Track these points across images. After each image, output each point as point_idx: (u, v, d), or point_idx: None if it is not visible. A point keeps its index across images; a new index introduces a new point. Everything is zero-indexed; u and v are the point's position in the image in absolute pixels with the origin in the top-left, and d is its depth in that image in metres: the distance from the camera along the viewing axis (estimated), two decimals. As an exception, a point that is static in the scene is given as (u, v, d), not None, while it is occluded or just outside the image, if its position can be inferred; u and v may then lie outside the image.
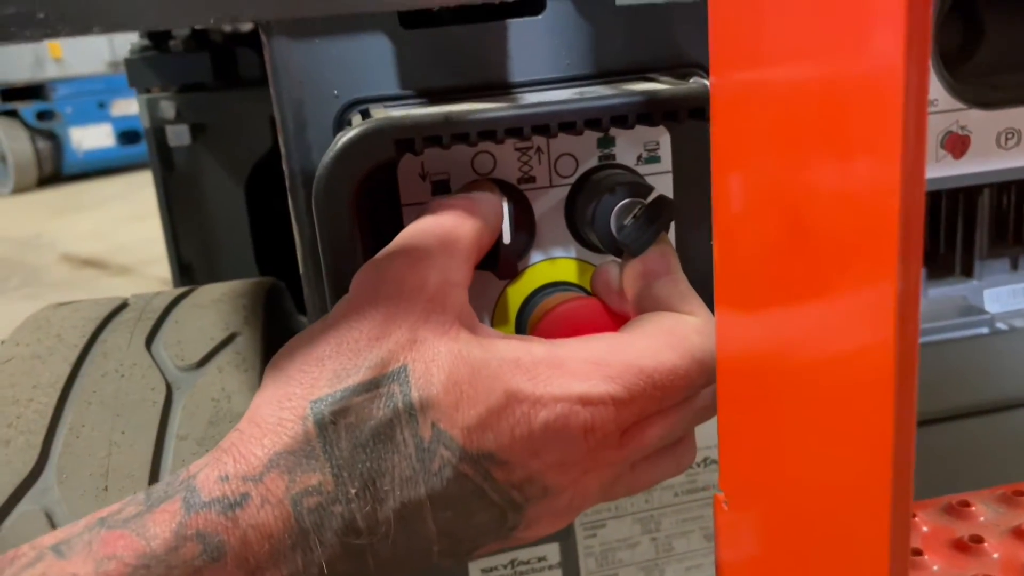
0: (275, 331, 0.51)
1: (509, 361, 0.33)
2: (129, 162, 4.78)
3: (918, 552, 0.31)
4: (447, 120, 0.35)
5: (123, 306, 0.52)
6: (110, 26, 0.26)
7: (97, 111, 4.81)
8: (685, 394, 0.36)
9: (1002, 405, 0.54)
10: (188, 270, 1.01)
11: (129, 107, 4.75)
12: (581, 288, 0.45)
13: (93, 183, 4.69)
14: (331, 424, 0.32)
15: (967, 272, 0.58)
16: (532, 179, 0.43)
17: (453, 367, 0.32)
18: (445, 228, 0.36)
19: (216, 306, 0.50)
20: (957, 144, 0.47)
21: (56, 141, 4.74)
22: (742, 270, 0.29)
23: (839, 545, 0.26)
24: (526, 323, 0.44)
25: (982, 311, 0.56)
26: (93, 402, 0.43)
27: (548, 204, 0.44)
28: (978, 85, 0.48)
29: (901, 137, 0.20)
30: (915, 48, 0.19)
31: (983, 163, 0.48)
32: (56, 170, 4.76)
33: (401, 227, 0.41)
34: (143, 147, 1.18)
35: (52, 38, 0.26)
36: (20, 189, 4.61)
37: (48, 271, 3.19)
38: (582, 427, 0.33)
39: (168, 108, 0.99)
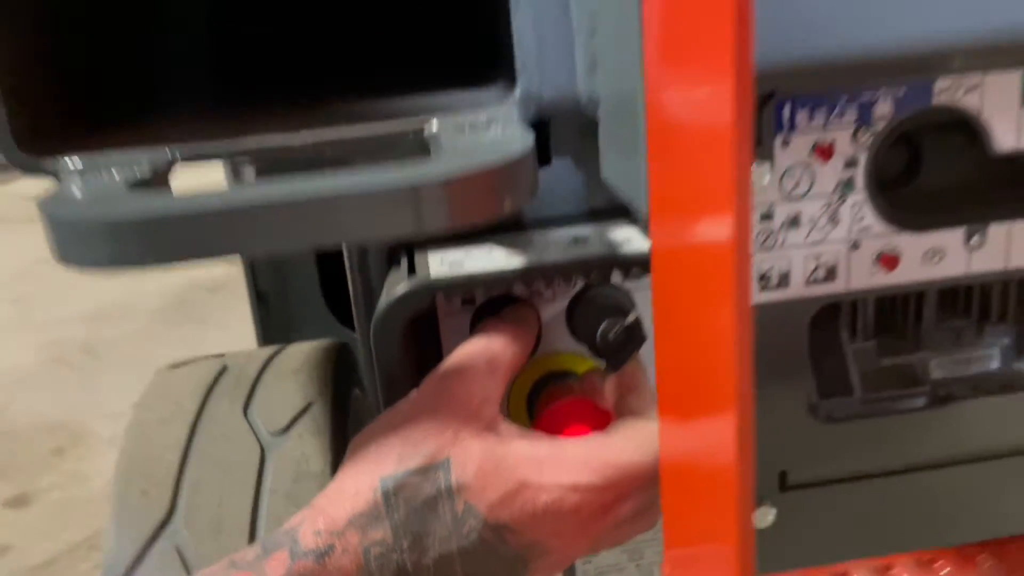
0: (342, 395, 0.65)
1: (522, 458, 0.46)
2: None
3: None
4: (470, 280, 0.48)
5: (223, 370, 0.66)
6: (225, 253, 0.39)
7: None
8: (651, 481, 0.48)
9: (935, 465, 0.65)
10: (264, 298, 1.16)
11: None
12: (577, 375, 0.57)
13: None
14: (393, 495, 0.44)
15: (915, 343, 0.69)
16: (540, 292, 0.55)
17: (483, 461, 0.45)
18: (492, 352, 0.48)
19: (295, 377, 0.64)
20: (889, 261, 0.58)
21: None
22: (673, 387, 0.41)
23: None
24: (535, 404, 0.57)
25: (925, 380, 0.67)
26: (207, 461, 0.58)
27: (553, 311, 0.56)
28: (909, 211, 0.58)
29: (735, 302, 0.31)
30: (739, 241, 0.31)
31: (912, 275, 0.59)
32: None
33: (438, 332, 0.54)
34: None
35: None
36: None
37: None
38: (573, 507, 0.46)
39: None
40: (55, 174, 0.47)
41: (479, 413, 0.46)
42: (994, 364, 0.71)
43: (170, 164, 0.47)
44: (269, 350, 0.69)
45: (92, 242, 0.39)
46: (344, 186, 0.39)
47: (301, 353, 0.68)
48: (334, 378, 0.65)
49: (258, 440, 0.59)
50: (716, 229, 0.32)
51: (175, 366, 0.68)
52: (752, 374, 0.33)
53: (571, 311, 0.56)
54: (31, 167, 0.47)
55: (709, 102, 0.32)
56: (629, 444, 0.47)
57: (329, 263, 1.11)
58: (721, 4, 0.30)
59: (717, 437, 0.34)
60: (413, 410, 0.46)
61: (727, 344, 0.32)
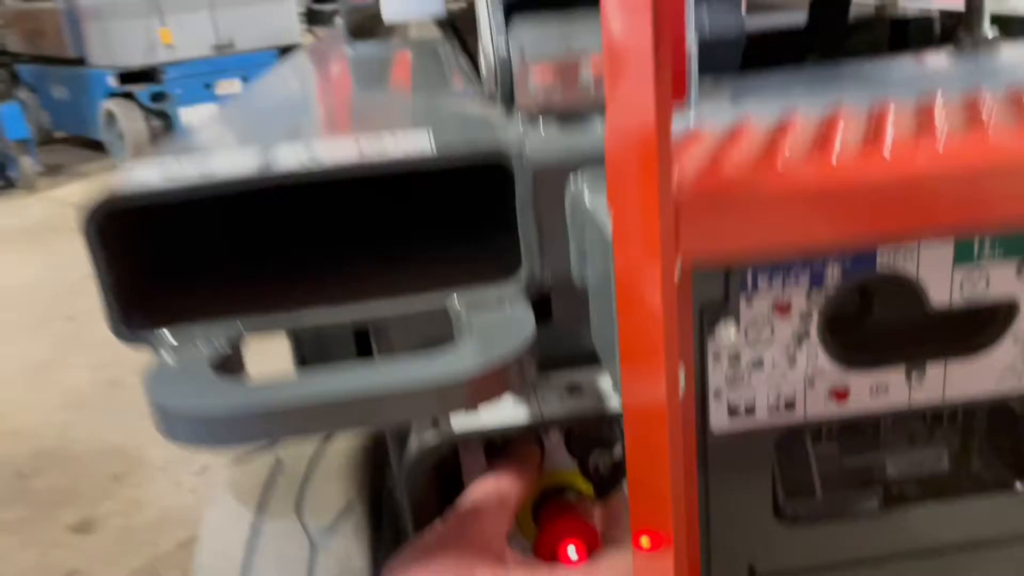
0: (378, 493, 0.76)
1: None
2: (233, 138, 5.12)
3: None
4: (484, 435, 0.59)
5: (277, 466, 0.78)
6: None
7: (203, 91, 5.14)
8: None
9: (887, 558, 0.76)
10: (305, 363, 1.30)
11: (232, 87, 5.07)
12: (575, 488, 0.68)
13: (201, 159, 5.07)
14: None
15: (874, 441, 0.79)
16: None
17: None
18: (500, 492, 0.59)
19: (339, 475, 0.76)
20: (840, 395, 0.69)
21: (167, 120, 5.11)
22: (638, 522, 0.51)
23: None
24: (540, 513, 0.68)
25: (881, 479, 0.77)
26: (268, 557, 0.70)
27: (556, 436, 0.67)
28: (857, 353, 0.69)
29: (669, 452, 0.42)
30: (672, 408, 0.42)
31: (861, 406, 0.69)
32: (168, 146, 5.15)
33: (459, 461, 0.65)
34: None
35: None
36: (136, 165, 5.03)
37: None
38: None
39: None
40: (150, 343, 0.59)
41: (490, 547, 0.57)
42: (943, 464, 0.81)
43: (240, 338, 0.59)
44: (314, 445, 0.81)
45: (192, 429, 0.51)
46: (390, 384, 0.50)
47: (342, 452, 0.80)
48: (371, 477, 0.77)
49: (309, 537, 0.71)
50: (655, 388, 0.43)
51: (237, 462, 0.80)
52: (690, 520, 0.44)
53: (568, 439, 0.67)
54: (132, 339, 0.59)
55: (648, 288, 0.43)
56: (611, 572, 0.58)
57: (365, 338, 1.24)
58: (651, 225, 0.41)
59: (663, 567, 0.46)
60: (437, 544, 0.58)
61: (664, 492, 0.44)
